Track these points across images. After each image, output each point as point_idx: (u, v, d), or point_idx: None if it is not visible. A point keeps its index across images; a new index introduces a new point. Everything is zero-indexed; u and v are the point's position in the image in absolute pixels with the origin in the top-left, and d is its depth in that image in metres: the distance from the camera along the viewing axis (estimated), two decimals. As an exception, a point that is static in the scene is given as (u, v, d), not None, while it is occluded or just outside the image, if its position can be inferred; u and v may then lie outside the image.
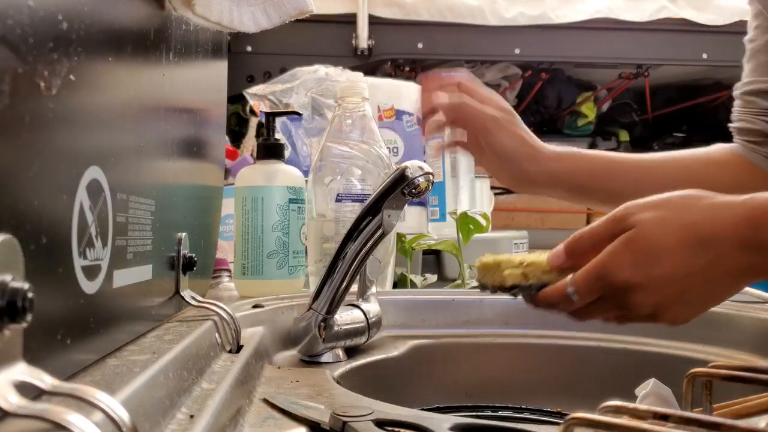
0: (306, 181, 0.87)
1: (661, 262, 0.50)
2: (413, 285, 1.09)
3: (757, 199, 0.50)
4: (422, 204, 1.39)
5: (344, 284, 0.62)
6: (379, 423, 0.41)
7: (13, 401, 0.24)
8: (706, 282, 0.50)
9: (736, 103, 0.90)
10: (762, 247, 0.49)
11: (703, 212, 0.50)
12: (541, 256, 0.57)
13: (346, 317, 0.66)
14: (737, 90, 0.89)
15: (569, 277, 0.53)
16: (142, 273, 0.46)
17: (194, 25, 0.58)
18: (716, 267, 0.49)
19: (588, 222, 2.50)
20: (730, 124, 0.90)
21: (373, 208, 0.59)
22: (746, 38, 0.88)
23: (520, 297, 0.57)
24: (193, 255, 0.57)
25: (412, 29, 2.08)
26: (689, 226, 0.50)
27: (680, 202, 0.51)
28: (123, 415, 0.26)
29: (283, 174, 0.83)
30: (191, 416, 0.37)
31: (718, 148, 0.88)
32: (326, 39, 2.03)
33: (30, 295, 0.25)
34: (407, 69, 2.17)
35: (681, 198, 0.52)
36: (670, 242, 0.50)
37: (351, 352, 0.68)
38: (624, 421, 0.33)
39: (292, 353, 0.67)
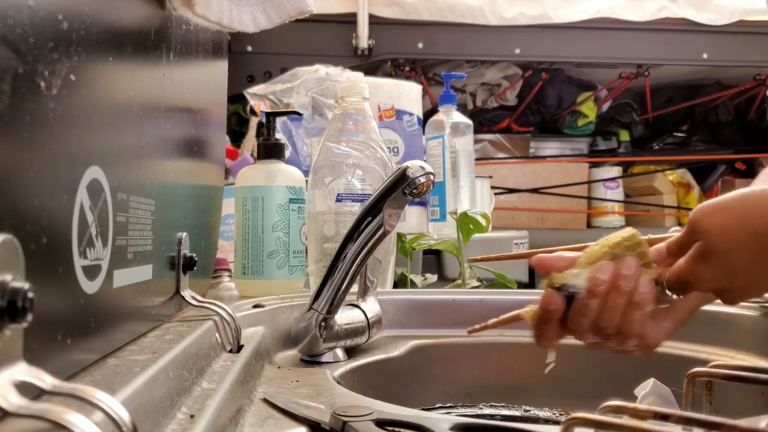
0: (306, 180, 0.87)
1: (736, 277, 0.51)
2: (413, 285, 1.09)
3: None
4: (422, 204, 1.39)
5: (345, 284, 0.62)
6: (380, 423, 0.41)
7: (14, 401, 0.24)
8: None
9: None
10: None
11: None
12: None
13: (346, 317, 0.66)
14: None
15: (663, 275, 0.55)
16: (143, 273, 0.46)
17: (194, 25, 0.58)
18: None
19: (588, 224, 2.50)
20: None
21: (374, 208, 0.59)
22: None
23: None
24: (194, 255, 0.57)
25: (412, 29, 2.08)
26: (756, 236, 0.50)
27: (744, 203, 0.52)
28: (123, 414, 0.26)
29: (284, 174, 0.83)
30: (191, 416, 0.37)
31: None
32: (326, 39, 2.03)
33: (30, 295, 0.25)
34: (407, 69, 2.17)
35: (744, 197, 0.52)
36: (741, 256, 0.50)
37: (351, 352, 0.68)
38: (624, 421, 0.33)
39: (293, 353, 0.67)
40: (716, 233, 0.51)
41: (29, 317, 0.25)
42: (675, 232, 0.58)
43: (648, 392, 0.56)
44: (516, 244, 1.50)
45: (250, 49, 1.99)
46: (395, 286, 1.03)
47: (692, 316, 0.58)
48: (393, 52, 2.09)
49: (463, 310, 0.82)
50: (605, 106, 2.62)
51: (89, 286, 0.35)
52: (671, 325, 0.56)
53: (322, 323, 0.63)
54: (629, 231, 0.57)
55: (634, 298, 0.54)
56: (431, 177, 0.58)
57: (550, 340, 0.56)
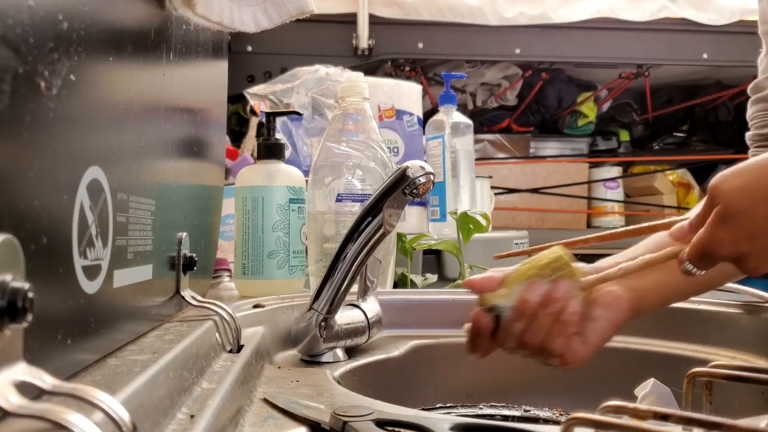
0: (306, 180, 0.87)
1: (756, 238, 0.51)
2: (413, 285, 1.09)
3: None
4: (423, 204, 1.39)
5: (345, 284, 0.62)
6: (380, 423, 0.41)
7: (14, 401, 0.24)
8: None
9: (758, 107, 0.83)
10: None
11: None
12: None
13: (346, 317, 0.66)
14: (757, 91, 0.83)
15: (684, 251, 0.55)
16: (143, 273, 0.46)
17: (194, 25, 0.58)
18: None
19: (588, 224, 2.50)
20: (751, 132, 0.83)
21: (374, 208, 0.59)
22: (762, 30, 0.82)
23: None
24: (194, 255, 0.57)
25: (412, 29, 2.08)
26: None
27: (759, 165, 0.53)
28: (123, 414, 0.26)
29: (284, 174, 0.83)
30: (192, 416, 0.37)
31: None
32: (326, 39, 2.03)
33: (30, 295, 0.25)
34: (407, 69, 2.17)
35: (759, 160, 0.53)
36: (759, 215, 0.51)
37: (351, 352, 0.68)
38: (624, 421, 0.33)
39: (293, 353, 0.67)
40: (734, 194, 0.52)
41: (29, 317, 0.25)
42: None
43: (648, 392, 0.56)
44: (516, 244, 1.50)
45: (250, 49, 1.99)
46: (395, 286, 1.03)
47: (616, 332, 0.59)
48: (393, 52, 2.09)
49: (463, 310, 0.81)
50: (605, 106, 2.62)
51: (89, 286, 0.35)
52: (596, 341, 0.58)
53: (322, 323, 0.63)
54: (556, 252, 0.59)
55: (561, 318, 0.56)
56: (431, 177, 0.58)
57: (481, 352, 0.60)
